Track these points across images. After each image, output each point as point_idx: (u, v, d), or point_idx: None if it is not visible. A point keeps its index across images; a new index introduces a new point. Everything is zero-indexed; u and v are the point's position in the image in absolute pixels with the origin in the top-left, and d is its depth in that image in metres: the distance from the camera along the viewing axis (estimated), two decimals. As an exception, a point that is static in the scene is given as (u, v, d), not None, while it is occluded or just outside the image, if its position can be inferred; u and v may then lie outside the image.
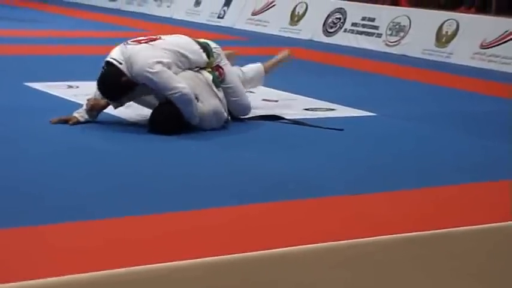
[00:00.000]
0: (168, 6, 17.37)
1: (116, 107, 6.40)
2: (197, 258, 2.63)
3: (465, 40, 11.92)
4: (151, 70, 6.08)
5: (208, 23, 15.90)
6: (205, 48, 6.57)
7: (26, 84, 7.74)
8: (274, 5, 15.15)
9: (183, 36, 6.70)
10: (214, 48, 6.67)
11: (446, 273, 2.59)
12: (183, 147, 5.84)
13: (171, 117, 6.15)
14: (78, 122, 6.25)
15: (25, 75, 8.12)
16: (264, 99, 7.71)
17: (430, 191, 5.05)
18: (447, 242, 2.63)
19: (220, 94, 6.46)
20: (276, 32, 14.63)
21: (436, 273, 2.58)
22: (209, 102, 6.30)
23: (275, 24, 14.87)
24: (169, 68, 6.17)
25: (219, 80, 6.55)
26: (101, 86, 6.23)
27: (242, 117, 6.81)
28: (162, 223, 4.20)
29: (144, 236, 3.98)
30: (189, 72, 6.40)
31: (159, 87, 6.13)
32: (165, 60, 6.17)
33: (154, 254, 3.72)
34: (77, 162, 5.28)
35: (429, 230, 2.76)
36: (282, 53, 7.73)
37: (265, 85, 7.65)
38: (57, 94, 7.45)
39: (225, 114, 6.44)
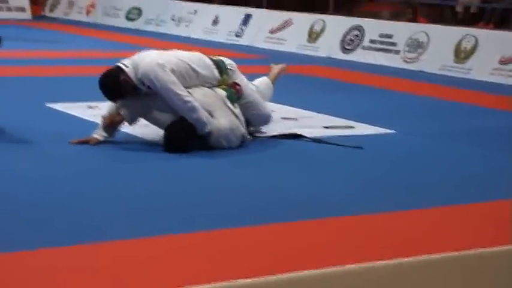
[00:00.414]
0: (186, 26, 17.45)
1: (130, 123, 6.41)
2: (213, 281, 2.63)
3: (484, 56, 11.90)
4: (154, 70, 6.16)
5: (226, 41, 15.96)
6: (219, 65, 6.60)
7: (47, 104, 7.79)
8: (291, 23, 15.19)
9: (197, 52, 6.75)
10: (229, 65, 6.69)
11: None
12: (199, 166, 5.86)
13: (184, 133, 6.17)
14: (98, 142, 6.29)
15: (46, 96, 8.18)
16: (283, 118, 7.72)
17: (450, 209, 5.03)
18: (468, 263, 2.62)
19: (237, 110, 6.46)
20: (294, 50, 14.66)
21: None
22: (224, 119, 6.31)
23: (293, 42, 14.90)
24: (173, 72, 6.21)
25: (237, 96, 6.57)
26: (101, 85, 6.33)
27: (261, 134, 6.82)
28: (176, 243, 4.20)
29: (158, 256, 3.99)
30: (204, 88, 6.43)
31: (161, 90, 6.16)
32: (169, 66, 6.22)
33: (167, 275, 3.73)
34: (93, 183, 5.31)
35: (450, 251, 2.75)
36: (280, 66, 7.73)
37: (284, 103, 7.68)
38: (77, 115, 7.50)
39: (242, 130, 6.44)
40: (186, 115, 6.18)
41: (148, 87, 6.23)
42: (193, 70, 6.41)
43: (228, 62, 6.73)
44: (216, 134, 6.26)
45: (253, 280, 2.17)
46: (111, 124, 6.35)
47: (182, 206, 4.84)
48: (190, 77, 6.39)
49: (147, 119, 6.47)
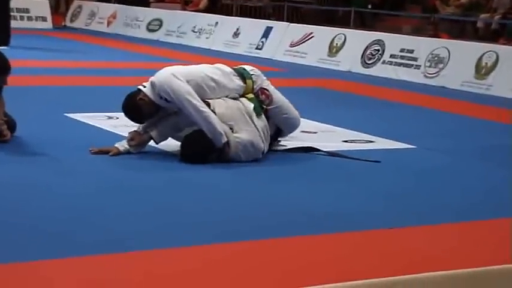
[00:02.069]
0: (207, 38, 17.47)
1: (158, 142, 6.42)
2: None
3: (505, 72, 11.84)
4: (169, 80, 6.21)
5: (246, 54, 15.97)
6: (240, 73, 6.59)
7: (66, 115, 7.80)
8: (312, 37, 15.18)
9: (216, 64, 6.75)
10: (251, 70, 6.69)
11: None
12: (217, 178, 5.84)
13: (201, 148, 6.15)
14: (118, 153, 6.28)
15: (65, 106, 8.19)
16: (302, 131, 7.68)
17: (468, 225, 4.99)
18: (486, 280, 2.59)
19: (261, 124, 6.43)
20: (314, 64, 14.65)
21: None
22: (245, 133, 6.29)
23: (313, 55, 14.88)
24: (188, 82, 6.24)
25: (266, 103, 6.54)
26: (123, 110, 6.45)
27: (278, 148, 6.79)
28: (188, 257, 4.18)
29: (172, 270, 3.97)
30: (229, 101, 6.42)
31: (176, 100, 6.18)
32: (184, 76, 6.26)
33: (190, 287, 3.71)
34: (114, 196, 5.30)
35: (469, 267, 2.72)
36: None
37: (303, 117, 7.64)
38: (96, 125, 7.50)
39: (262, 145, 6.41)
40: (200, 125, 6.17)
41: (166, 100, 6.24)
42: (212, 80, 6.41)
43: (249, 68, 6.73)
44: (235, 147, 6.24)
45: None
46: (139, 143, 6.36)
47: (199, 222, 4.81)
48: (210, 88, 6.38)
49: (176, 138, 6.45)
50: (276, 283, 3.83)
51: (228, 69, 6.61)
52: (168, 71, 6.33)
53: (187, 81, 6.26)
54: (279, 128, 6.78)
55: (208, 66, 6.64)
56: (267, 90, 6.64)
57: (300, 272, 4.00)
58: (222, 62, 6.97)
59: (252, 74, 6.64)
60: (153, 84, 6.30)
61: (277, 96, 6.75)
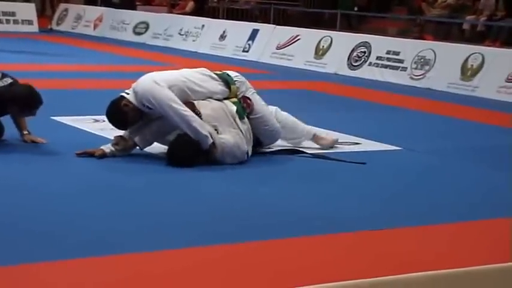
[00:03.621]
0: (194, 41, 17.47)
1: (142, 148, 6.42)
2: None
3: (491, 74, 11.89)
4: (150, 87, 6.21)
5: (233, 56, 15.97)
6: (224, 79, 6.59)
7: (52, 118, 7.79)
8: (299, 39, 15.21)
9: (200, 68, 6.75)
10: (235, 76, 6.69)
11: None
12: (204, 181, 5.84)
13: (188, 151, 6.16)
14: (104, 155, 6.28)
15: (52, 109, 8.16)
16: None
17: (459, 226, 5.02)
18: (472, 280, 2.60)
19: (244, 127, 6.44)
20: (301, 66, 14.67)
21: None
22: (230, 134, 6.29)
23: (300, 57, 14.91)
24: (170, 88, 6.24)
25: (247, 111, 6.55)
26: (107, 117, 6.46)
27: (263, 149, 6.80)
28: (178, 258, 4.19)
29: (161, 271, 3.97)
30: (214, 102, 6.43)
31: (158, 107, 6.18)
32: (166, 82, 6.26)
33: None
34: (99, 198, 5.30)
35: (457, 267, 2.73)
36: (331, 140, 7.21)
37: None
38: (83, 128, 7.49)
39: (245, 147, 6.41)
40: (185, 129, 6.16)
41: (149, 107, 6.24)
42: (195, 84, 6.42)
43: (234, 74, 6.72)
44: (221, 149, 6.24)
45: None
46: (123, 148, 6.36)
47: (188, 223, 4.82)
48: (193, 92, 6.39)
49: (162, 142, 6.46)
50: (267, 284, 3.84)
51: (211, 73, 6.61)
52: (150, 78, 6.32)
53: (170, 87, 6.26)
54: (258, 139, 6.72)
55: (190, 70, 6.64)
56: (249, 100, 6.63)
57: (291, 273, 4.00)
58: (208, 65, 7.00)
59: (236, 81, 6.64)
60: (135, 92, 6.30)
61: (259, 107, 6.71)
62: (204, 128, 6.19)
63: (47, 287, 3.71)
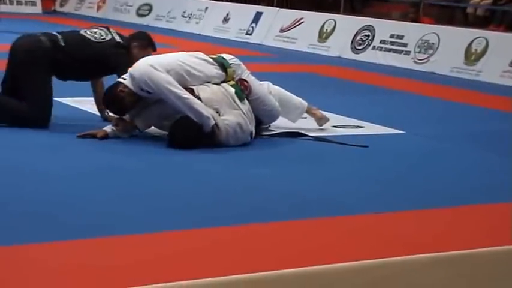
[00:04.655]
0: (197, 23, 17.43)
1: (143, 131, 6.43)
2: (215, 276, 2.62)
3: (494, 58, 11.86)
4: (147, 71, 6.19)
5: (236, 39, 15.94)
6: (220, 62, 6.58)
7: (55, 99, 7.78)
8: (302, 22, 15.16)
9: (196, 52, 6.74)
10: (231, 59, 6.68)
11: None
12: (206, 163, 5.84)
13: (189, 129, 6.15)
14: (106, 136, 6.28)
15: (54, 90, 8.17)
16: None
17: (461, 210, 5.02)
18: (472, 263, 2.61)
19: (245, 107, 6.43)
20: (304, 49, 14.63)
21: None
22: (232, 116, 6.29)
23: (303, 41, 14.86)
24: (167, 72, 6.23)
25: (245, 93, 6.54)
26: (104, 103, 6.54)
27: (266, 132, 6.80)
28: (179, 240, 4.19)
29: (162, 254, 3.97)
30: (213, 86, 6.43)
31: (157, 91, 6.17)
32: (163, 66, 6.24)
33: (172, 271, 3.72)
34: (100, 181, 5.31)
35: (457, 250, 2.74)
36: (320, 115, 7.31)
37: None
38: (85, 109, 7.49)
39: (250, 127, 6.41)
40: (187, 112, 6.15)
41: (148, 92, 6.23)
42: (192, 68, 6.40)
43: (229, 57, 6.71)
44: (224, 131, 6.23)
45: (256, 274, 2.16)
46: (123, 130, 6.36)
47: (190, 205, 4.82)
48: (190, 76, 6.37)
49: (160, 127, 6.44)
50: (271, 266, 3.84)
51: (207, 57, 6.60)
52: (146, 63, 6.30)
53: (167, 71, 6.24)
54: (258, 119, 6.72)
55: (186, 54, 6.62)
56: (246, 82, 6.62)
57: (293, 256, 4.01)
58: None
59: (232, 63, 6.63)
60: (132, 77, 6.28)
61: (256, 88, 6.71)
62: (205, 110, 6.18)
63: (48, 269, 3.71)
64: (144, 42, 6.88)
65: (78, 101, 7.80)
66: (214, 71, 6.51)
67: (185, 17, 17.85)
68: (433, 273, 2.39)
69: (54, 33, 6.85)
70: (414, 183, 5.59)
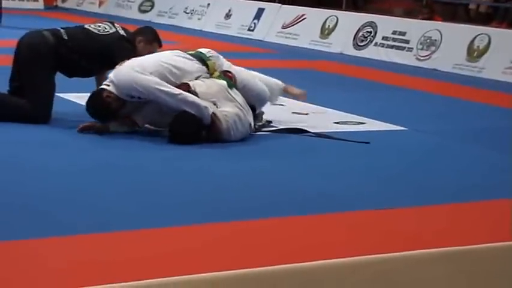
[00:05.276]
0: (199, 19, 17.43)
1: (141, 126, 6.43)
2: (214, 271, 2.63)
3: (497, 55, 11.85)
4: (132, 77, 6.16)
5: (238, 35, 15.94)
6: (198, 57, 6.62)
7: (57, 94, 7.79)
8: (304, 18, 15.16)
9: (172, 50, 6.75)
10: (208, 52, 6.73)
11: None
12: (206, 159, 5.84)
13: (190, 124, 6.14)
14: (106, 129, 6.29)
15: (57, 86, 8.18)
16: (294, 112, 7.70)
17: (463, 206, 5.02)
18: (472, 259, 2.61)
19: (239, 98, 6.44)
20: (306, 45, 14.63)
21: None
22: (229, 107, 6.30)
23: (305, 37, 14.86)
24: (151, 74, 6.21)
25: (233, 83, 6.56)
26: (89, 110, 6.35)
27: (267, 129, 6.80)
28: (178, 236, 4.20)
29: (162, 250, 3.98)
30: (205, 80, 6.45)
31: (148, 94, 6.15)
32: (146, 69, 6.21)
33: (171, 267, 3.72)
34: (98, 175, 5.32)
35: (457, 246, 2.74)
36: (299, 92, 7.49)
37: (295, 98, 7.65)
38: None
39: (248, 118, 6.41)
40: (183, 107, 6.14)
41: (139, 98, 6.21)
42: (174, 67, 6.39)
43: (206, 50, 6.77)
44: (224, 122, 6.22)
45: (260, 269, 2.16)
46: (121, 125, 6.37)
47: (190, 201, 4.82)
48: (173, 75, 6.35)
49: (161, 124, 6.43)
50: (271, 263, 3.83)
51: (185, 55, 6.62)
52: (129, 68, 6.26)
53: (151, 74, 6.23)
54: (251, 105, 6.73)
55: (167, 53, 6.63)
56: (230, 72, 6.65)
57: (294, 252, 4.01)
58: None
59: (210, 56, 6.68)
60: (116, 84, 6.24)
61: (241, 75, 6.75)
62: (201, 101, 6.19)
63: (47, 264, 3.72)
64: (150, 37, 6.87)
65: (81, 97, 7.80)
66: (196, 65, 6.54)
67: (187, 13, 17.85)
68: (433, 269, 2.40)
69: (58, 28, 6.84)
70: (415, 180, 5.59)
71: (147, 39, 6.82)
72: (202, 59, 6.60)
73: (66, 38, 6.65)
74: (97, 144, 6.06)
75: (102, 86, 6.34)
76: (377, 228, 4.47)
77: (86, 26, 6.90)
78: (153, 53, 6.62)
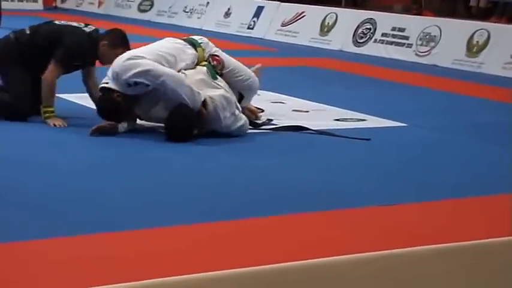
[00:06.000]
0: (199, 18, 17.44)
1: (142, 118, 6.48)
2: (216, 270, 2.64)
3: (496, 50, 11.85)
4: (127, 63, 6.19)
5: (238, 34, 15.95)
6: (190, 42, 6.72)
7: (58, 95, 7.80)
8: (304, 16, 15.16)
9: (165, 38, 6.85)
10: (200, 39, 6.84)
11: (479, 285, 2.59)
12: (208, 157, 5.86)
13: (185, 118, 6.17)
14: (115, 129, 6.32)
15: (57, 86, 8.19)
16: (294, 110, 7.71)
17: (464, 201, 5.03)
18: (473, 254, 2.62)
19: (221, 83, 6.54)
20: (305, 43, 14.63)
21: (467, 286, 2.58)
22: (213, 92, 6.37)
23: (305, 34, 14.87)
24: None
25: (220, 67, 6.66)
26: (103, 114, 6.34)
27: (267, 126, 6.81)
28: (180, 234, 4.21)
29: (164, 248, 3.99)
30: (190, 71, 6.53)
31: (151, 77, 6.16)
32: (140, 55, 6.25)
33: (173, 266, 3.73)
34: (102, 174, 5.33)
35: (458, 241, 2.75)
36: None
37: (295, 96, 7.66)
38: (88, 105, 7.50)
39: (232, 98, 6.47)
40: (178, 89, 6.16)
41: (136, 83, 6.18)
42: (169, 54, 6.47)
43: (198, 37, 6.89)
44: (211, 105, 6.25)
45: (265, 267, 2.17)
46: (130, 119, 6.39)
47: (190, 199, 4.84)
48: (169, 63, 6.39)
49: (154, 120, 6.46)
50: (273, 260, 3.85)
51: (178, 40, 6.73)
52: (125, 57, 6.28)
53: (145, 58, 6.27)
54: (241, 94, 6.82)
55: (160, 42, 6.72)
56: (217, 56, 6.74)
57: (295, 250, 4.02)
58: (213, 42, 7.01)
59: (201, 42, 6.77)
60: (116, 76, 6.23)
61: (228, 60, 6.84)
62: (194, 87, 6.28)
63: (51, 264, 3.73)
64: (116, 41, 6.72)
65: (81, 97, 7.81)
66: (189, 51, 6.63)
67: (187, 12, 17.86)
68: (434, 264, 2.41)
69: (25, 27, 6.93)
70: (416, 176, 5.60)
71: (113, 42, 6.71)
72: (194, 44, 6.71)
73: (28, 32, 6.79)
74: (97, 144, 6.08)
75: (106, 87, 6.33)
76: (378, 225, 4.48)
77: (56, 22, 6.94)
78: (118, 56, 6.53)
